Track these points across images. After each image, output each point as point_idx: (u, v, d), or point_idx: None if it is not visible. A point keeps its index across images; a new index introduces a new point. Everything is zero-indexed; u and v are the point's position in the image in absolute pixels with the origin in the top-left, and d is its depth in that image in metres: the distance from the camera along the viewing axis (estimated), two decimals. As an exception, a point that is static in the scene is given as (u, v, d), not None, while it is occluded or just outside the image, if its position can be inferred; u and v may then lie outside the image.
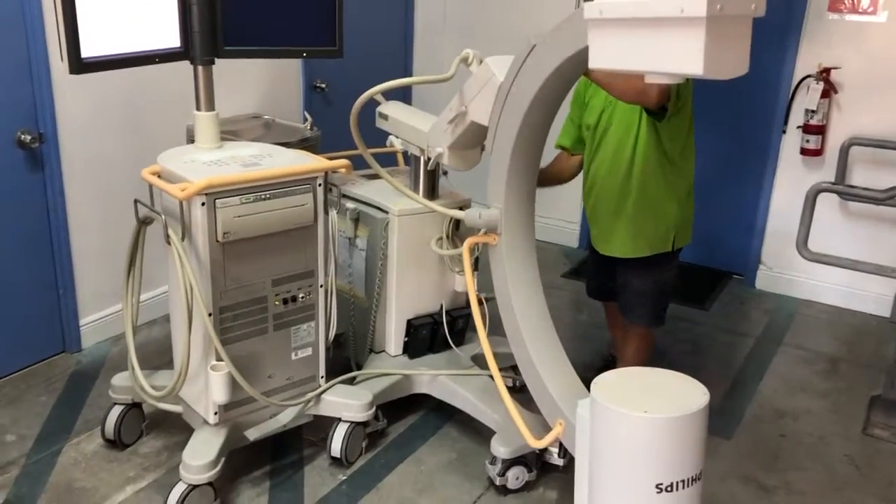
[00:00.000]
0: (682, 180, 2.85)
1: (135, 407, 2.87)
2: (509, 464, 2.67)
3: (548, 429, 2.48)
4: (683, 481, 1.96)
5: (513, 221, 2.52)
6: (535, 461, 2.73)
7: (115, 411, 2.84)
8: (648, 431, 1.93)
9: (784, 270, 4.47)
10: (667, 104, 2.59)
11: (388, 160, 3.25)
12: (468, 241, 2.61)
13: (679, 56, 1.76)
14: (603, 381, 2.09)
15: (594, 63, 1.95)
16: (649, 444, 1.94)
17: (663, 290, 2.98)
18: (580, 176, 3.06)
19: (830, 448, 3.09)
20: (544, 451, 2.68)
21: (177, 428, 2.88)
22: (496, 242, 2.53)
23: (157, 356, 3.38)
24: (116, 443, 2.84)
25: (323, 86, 4.47)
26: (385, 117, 3.06)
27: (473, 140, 2.71)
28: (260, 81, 4.13)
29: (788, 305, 4.36)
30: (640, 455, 1.96)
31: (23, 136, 3.12)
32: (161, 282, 2.91)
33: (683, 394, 2.01)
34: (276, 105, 4.17)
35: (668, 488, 1.95)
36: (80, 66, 2.26)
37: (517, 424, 2.49)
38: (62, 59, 2.25)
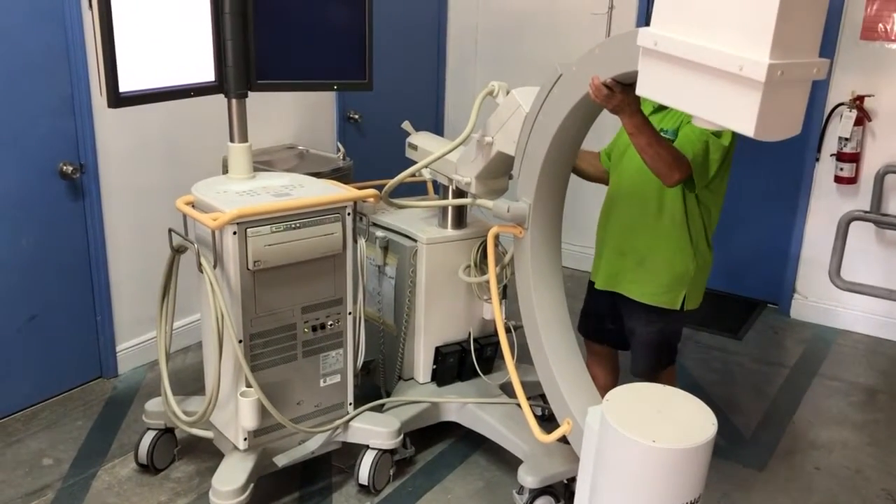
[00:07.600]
0: (702, 225, 2.62)
1: (168, 432, 2.92)
2: (537, 493, 2.65)
3: (571, 455, 2.47)
4: (682, 505, 1.96)
5: (541, 216, 2.51)
6: (563, 491, 2.71)
7: (149, 436, 2.88)
8: (655, 460, 1.93)
9: (819, 299, 4.40)
10: (694, 179, 2.44)
11: (417, 189, 3.29)
12: (493, 230, 2.61)
13: (731, 111, 1.68)
14: (616, 396, 2.10)
15: (641, 90, 1.93)
16: (654, 472, 1.95)
17: (670, 343, 2.77)
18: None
19: (868, 482, 3.02)
20: (572, 480, 2.66)
21: (208, 453, 2.92)
22: (522, 235, 2.53)
23: (192, 382, 3.44)
24: (149, 467, 2.89)
25: (356, 117, 4.55)
26: (414, 147, 3.11)
27: (500, 169, 2.73)
28: (296, 113, 4.21)
29: (824, 335, 4.29)
30: (643, 480, 1.97)
31: (65, 168, 3.22)
32: (196, 308, 2.96)
33: (693, 422, 2.01)
34: (311, 135, 4.25)
35: (668, 511, 1.94)
36: (117, 100, 2.34)
37: (528, 422, 2.50)
38: (101, 94, 2.33)
